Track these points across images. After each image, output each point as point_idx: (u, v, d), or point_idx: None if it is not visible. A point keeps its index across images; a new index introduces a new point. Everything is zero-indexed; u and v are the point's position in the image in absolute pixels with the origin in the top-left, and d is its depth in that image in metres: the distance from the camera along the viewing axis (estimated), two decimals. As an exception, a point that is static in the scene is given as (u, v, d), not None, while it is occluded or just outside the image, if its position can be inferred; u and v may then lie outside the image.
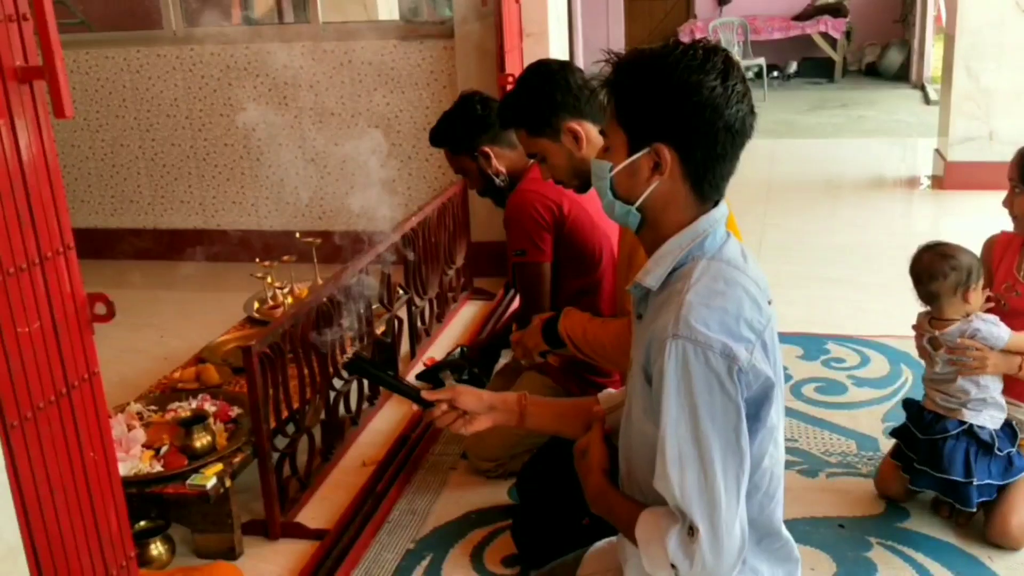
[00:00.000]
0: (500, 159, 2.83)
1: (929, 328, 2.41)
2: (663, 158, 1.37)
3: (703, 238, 1.40)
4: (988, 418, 2.38)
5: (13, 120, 1.33)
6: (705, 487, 1.29)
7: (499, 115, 2.49)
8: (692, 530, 1.29)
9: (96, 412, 1.51)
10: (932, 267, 2.35)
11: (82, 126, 5.07)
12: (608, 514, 1.49)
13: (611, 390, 1.73)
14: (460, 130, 2.86)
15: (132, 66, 4.93)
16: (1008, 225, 2.48)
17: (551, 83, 2.34)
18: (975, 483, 2.34)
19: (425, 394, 1.69)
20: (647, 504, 1.41)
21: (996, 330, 2.33)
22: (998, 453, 2.36)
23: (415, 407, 1.70)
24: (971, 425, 2.36)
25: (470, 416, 1.68)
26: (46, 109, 1.38)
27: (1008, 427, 2.40)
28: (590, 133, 2.30)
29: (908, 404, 2.55)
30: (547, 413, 1.73)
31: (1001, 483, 2.36)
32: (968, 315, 2.37)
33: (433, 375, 2.90)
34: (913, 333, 2.52)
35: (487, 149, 2.82)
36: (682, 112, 1.34)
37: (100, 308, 1.49)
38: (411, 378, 3.33)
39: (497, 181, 2.85)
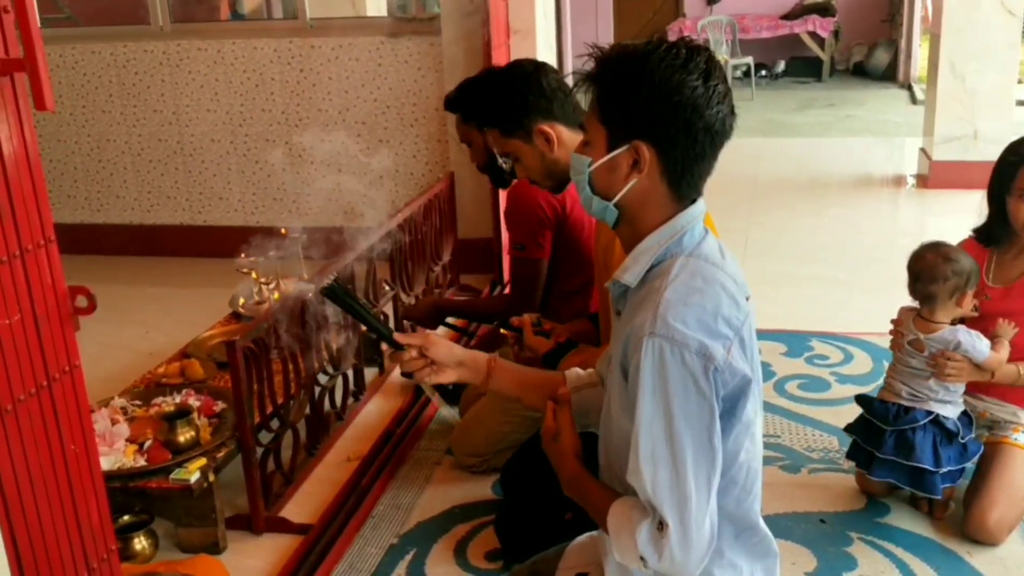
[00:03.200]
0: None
1: (913, 329, 2.42)
2: (642, 156, 1.38)
3: (681, 235, 1.41)
4: (951, 409, 2.42)
5: (-7, 112, 1.33)
6: (676, 484, 1.30)
7: (474, 115, 2.49)
8: (662, 525, 1.31)
9: (77, 405, 1.51)
10: (934, 269, 2.35)
11: (68, 121, 5.05)
12: (581, 498, 1.51)
13: (578, 370, 1.74)
14: (474, 103, 2.82)
15: (119, 61, 4.91)
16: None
17: (524, 85, 2.34)
18: (942, 471, 2.37)
19: (397, 336, 1.67)
20: (626, 493, 1.42)
21: (979, 344, 2.35)
22: (960, 441, 2.39)
23: (384, 346, 1.68)
24: (937, 415, 2.40)
25: (438, 366, 1.67)
26: (27, 101, 1.38)
27: (964, 415, 2.45)
28: (562, 135, 2.31)
29: (864, 400, 2.57)
30: (513, 378, 1.73)
31: (958, 467, 2.40)
32: (956, 319, 2.39)
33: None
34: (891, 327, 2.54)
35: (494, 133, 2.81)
36: (663, 111, 1.35)
37: (81, 301, 1.49)
38: (396, 374, 3.35)
39: (500, 161, 2.85)
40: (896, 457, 2.41)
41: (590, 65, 1.41)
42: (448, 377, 1.69)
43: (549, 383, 1.70)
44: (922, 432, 2.39)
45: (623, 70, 1.37)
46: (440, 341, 1.69)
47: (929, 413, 2.40)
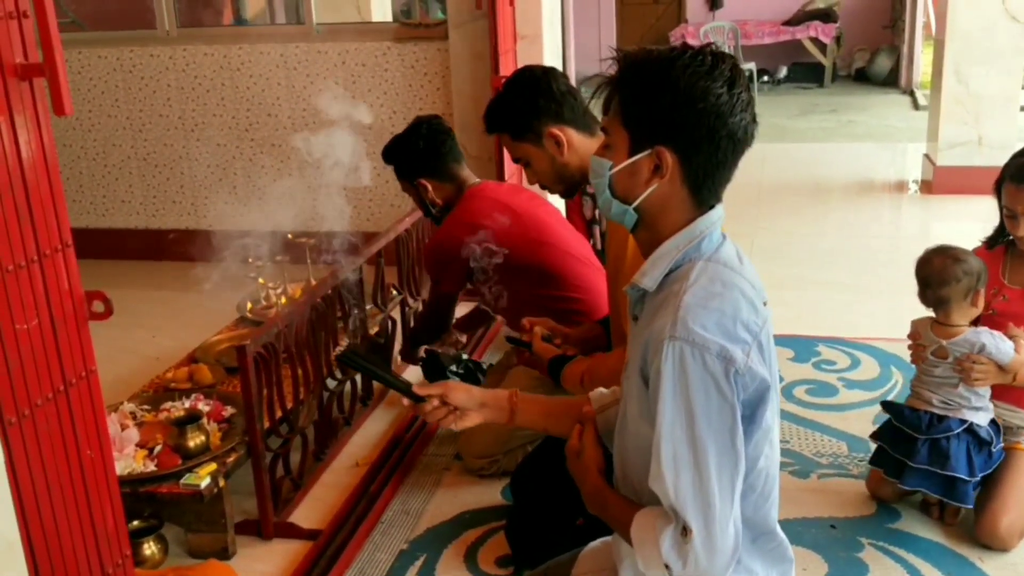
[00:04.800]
0: (437, 191, 2.92)
1: (934, 337, 2.40)
2: (664, 161, 1.37)
3: (700, 240, 1.41)
4: (983, 416, 2.40)
5: (13, 117, 1.33)
6: (700, 489, 1.30)
7: (484, 120, 2.51)
8: (686, 530, 1.30)
9: (93, 409, 1.51)
10: (944, 272, 2.34)
11: (74, 126, 5.05)
12: (604, 514, 1.50)
13: (602, 390, 1.74)
14: (402, 159, 2.95)
15: (125, 66, 4.92)
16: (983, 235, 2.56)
17: (533, 89, 2.35)
18: (975, 480, 2.36)
19: (417, 388, 1.71)
20: (642, 504, 1.42)
21: (1003, 345, 2.34)
22: (992, 449, 2.38)
23: (405, 401, 1.73)
24: (971, 423, 2.38)
25: (461, 412, 1.70)
26: (46, 106, 1.39)
27: (993, 423, 2.44)
28: (572, 139, 2.32)
29: (892, 407, 2.55)
30: (537, 411, 1.75)
31: (982, 475, 2.39)
32: (973, 321, 2.38)
33: (434, 363, 2.92)
34: (905, 339, 2.52)
35: (424, 182, 2.91)
36: (687, 118, 1.34)
37: (98, 306, 1.50)
38: (408, 376, 3.35)
39: (433, 211, 2.94)
40: (930, 466, 2.39)
41: (613, 68, 1.41)
42: (472, 420, 1.72)
43: (574, 408, 1.70)
44: (956, 441, 2.37)
45: (648, 75, 1.37)
46: (459, 387, 1.72)
47: (963, 422, 2.38)
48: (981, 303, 2.37)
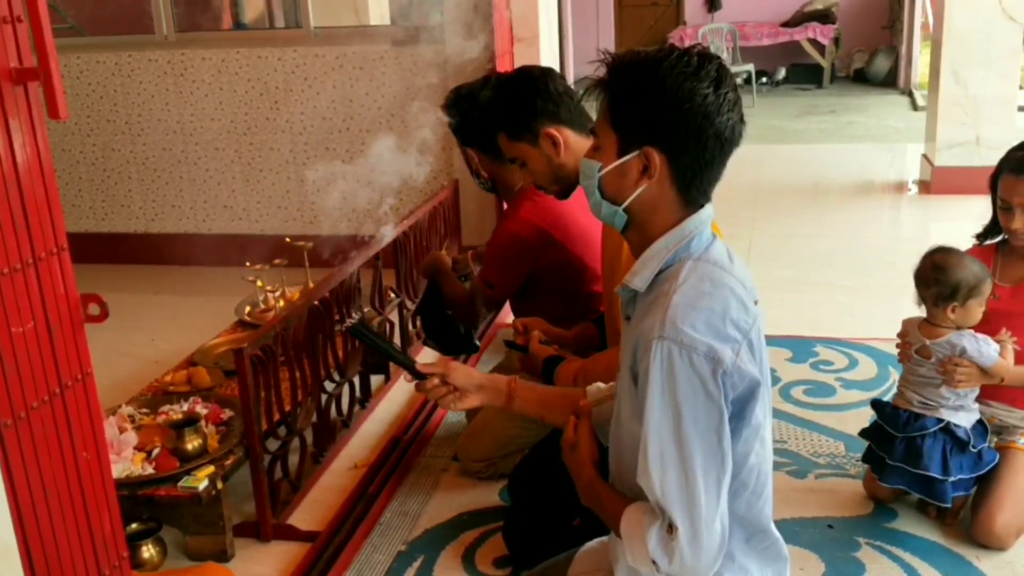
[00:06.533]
0: (483, 163, 2.88)
1: (920, 336, 2.42)
2: (652, 162, 1.38)
3: (689, 239, 1.42)
4: (963, 417, 2.41)
5: (7, 121, 1.33)
6: (685, 487, 1.31)
7: (482, 119, 2.52)
8: (671, 527, 1.32)
9: (89, 412, 1.52)
10: (923, 275, 2.39)
11: (73, 130, 5.06)
12: (597, 507, 1.52)
13: (599, 384, 1.75)
14: (458, 121, 2.90)
15: (123, 70, 4.93)
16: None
17: (531, 88, 2.36)
18: (951, 480, 2.37)
19: (420, 366, 1.75)
20: (634, 499, 1.43)
21: (986, 349, 2.35)
22: (971, 450, 2.39)
23: (407, 377, 1.78)
24: (948, 423, 2.39)
25: (460, 392, 1.74)
26: (40, 110, 1.39)
27: (979, 424, 2.44)
28: (569, 139, 2.32)
29: (878, 405, 2.57)
30: (534, 398, 1.78)
31: (970, 476, 2.39)
32: (958, 327, 2.38)
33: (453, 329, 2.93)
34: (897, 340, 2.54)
35: (472, 152, 2.86)
36: (674, 118, 1.36)
37: (93, 309, 1.50)
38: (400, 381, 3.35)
39: (477, 182, 2.91)
40: (904, 464, 2.41)
41: (602, 71, 1.42)
42: (470, 402, 1.76)
43: (571, 399, 1.71)
44: (931, 440, 2.39)
45: (635, 76, 1.38)
46: (459, 367, 1.75)
47: (940, 421, 2.39)
48: (960, 317, 2.35)
